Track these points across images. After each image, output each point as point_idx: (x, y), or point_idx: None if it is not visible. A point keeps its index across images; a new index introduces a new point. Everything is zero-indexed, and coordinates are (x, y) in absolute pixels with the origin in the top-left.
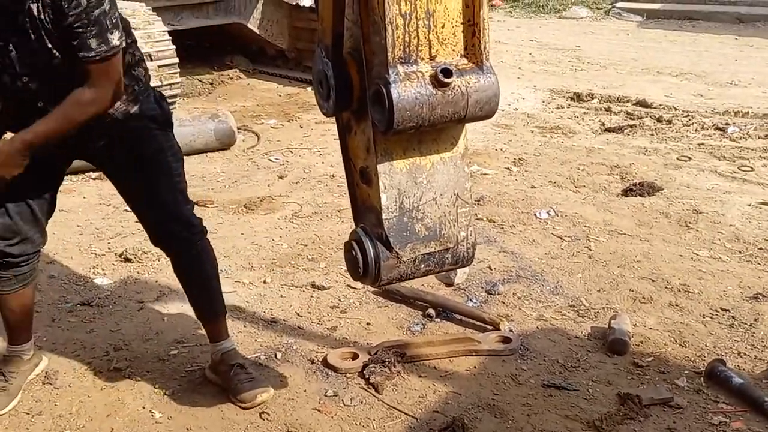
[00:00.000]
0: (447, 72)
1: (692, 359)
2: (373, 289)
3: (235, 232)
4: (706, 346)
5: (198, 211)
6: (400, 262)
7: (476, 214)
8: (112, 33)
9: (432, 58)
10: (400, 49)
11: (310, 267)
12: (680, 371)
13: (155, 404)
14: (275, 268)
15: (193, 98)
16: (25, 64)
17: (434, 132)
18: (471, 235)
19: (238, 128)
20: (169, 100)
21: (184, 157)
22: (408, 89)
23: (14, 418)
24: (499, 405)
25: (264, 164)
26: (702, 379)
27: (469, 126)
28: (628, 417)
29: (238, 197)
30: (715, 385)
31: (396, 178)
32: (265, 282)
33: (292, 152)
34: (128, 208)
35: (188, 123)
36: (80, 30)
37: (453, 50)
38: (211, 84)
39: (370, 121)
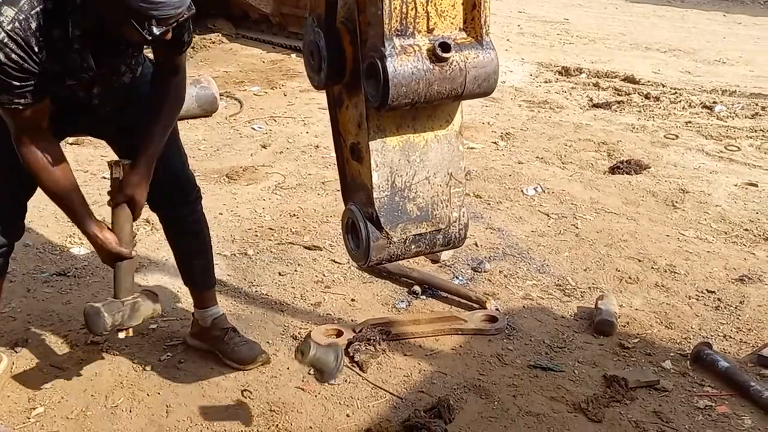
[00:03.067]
0: (445, 46)
1: (678, 341)
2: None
3: (217, 203)
4: (692, 328)
5: None
6: (390, 243)
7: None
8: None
9: (430, 31)
10: (396, 21)
11: (294, 240)
12: (666, 353)
13: (134, 380)
14: (258, 240)
15: None
16: (106, 84)
17: (429, 108)
18: (463, 216)
19: (221, 95)
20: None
21: None
22: (404, 64)
23: None
24: (484, 386)
25: (247, 132)
26: (688, 362)
27: None
28: (615, 399)
29: (220, 166)
30: (701, 368)
31: (388, 155)
32: (246, 254)
33: (275, 121)
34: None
35: None
36: (178, 33)
37: (452, 23)
38: (192, 48)
39: (363, 95)
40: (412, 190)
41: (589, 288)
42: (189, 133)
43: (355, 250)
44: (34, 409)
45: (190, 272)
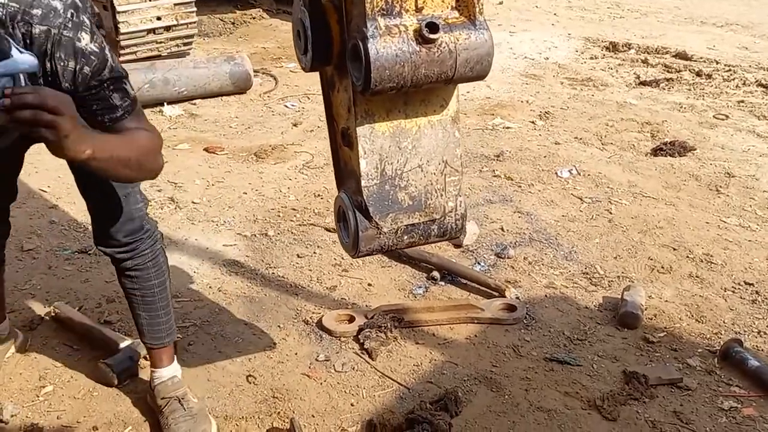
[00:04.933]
0: (433, 27)
1: (708, 336)
2: None
3: (243, 182)
4: (724, 322)
5: (206, 159)
6: (380, 233)
7: (494, 171)
8: (125, 83)
9: (418, 9)
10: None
11: (316, 221)
12: (693, 349)
13: (142, 362)
14: (280, 221)
15: (213, 38)
16: None
17: (422, 93)
18: (460, 206)
19: (257, 71)
20: (186, 40)
21: (199, 100)
22: (388, 45)
23: None
24: (496, 378)
25: (279, 110)
26: (716, 359)
27: (494, 75)
28: (632, 397)
29: (250, 144)
30: (729, 366)
31: (377, 142)
32: (267, 235)
33: (309, 98)
34: None
35: (203, 65)
36: (96, 92)
37: (443, 2)
38: (233, 24)
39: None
40: (403, 179)
41: (618, 277)
42: (222, 110)
43: (345, 240)
44: (44, 387)
45: (137, 325)
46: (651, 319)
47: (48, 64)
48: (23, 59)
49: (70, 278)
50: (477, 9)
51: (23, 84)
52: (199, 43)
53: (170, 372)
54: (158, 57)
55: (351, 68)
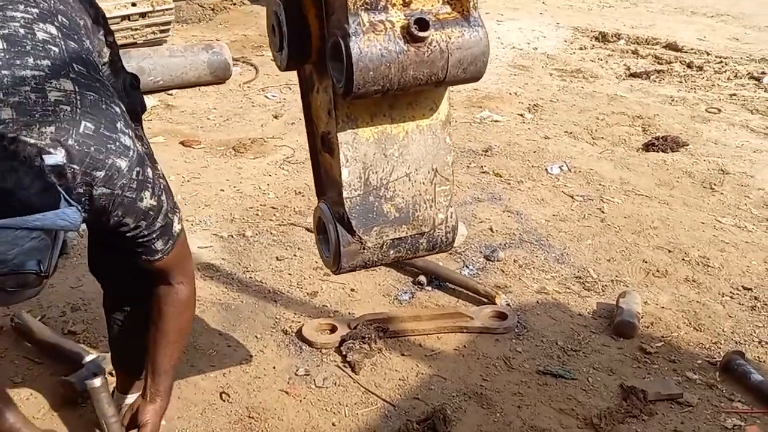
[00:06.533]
0: (422, 23)
1: (707, 346)
2: None
3: (220, 178)
4: (723, 331)
5: (182, 153)
6: (364, 248)
7: (482, 167)
8: (173, 223)
9: (406, 4)
10: None
11: (297, 221)
12: (692, 360)
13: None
14: (258, 220)
15: (191, 25)
16: None
17: (409, 95)
18: (451, 218)
19: (236, 60)
20: (163, 27)
21: (176, 91)
22: (372, 44)
23: None
24: (487, 393)
25: (259, 101)
26: (716, 372)
27: None
28: (631, 414)
29: (228, 138)
30: (730, 379)
31: (361, 149)
32: (244, 236)
33: (290, 89)
34: None
35: (179, 54)
36: (142, 240)
37: None
38: (212, 10)
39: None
40: (389, 189)
41: (612, 281)
42: (199, 101)
43: (325, 255)
44: None
45: (118, 351)
46: (647, 327)
47: (103, 218)
48: (65, 216)
49: None
50: (471, 3)
51: (60, 239)
52: (177, 30)
53: (137, 396)
54: (134, 45)
55: (331, 69)
